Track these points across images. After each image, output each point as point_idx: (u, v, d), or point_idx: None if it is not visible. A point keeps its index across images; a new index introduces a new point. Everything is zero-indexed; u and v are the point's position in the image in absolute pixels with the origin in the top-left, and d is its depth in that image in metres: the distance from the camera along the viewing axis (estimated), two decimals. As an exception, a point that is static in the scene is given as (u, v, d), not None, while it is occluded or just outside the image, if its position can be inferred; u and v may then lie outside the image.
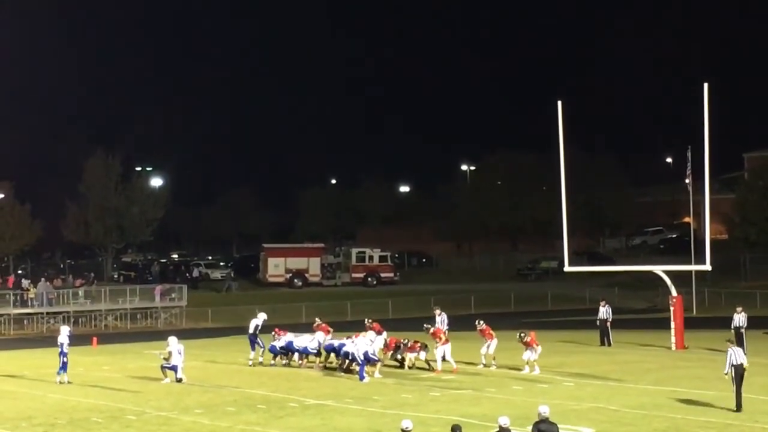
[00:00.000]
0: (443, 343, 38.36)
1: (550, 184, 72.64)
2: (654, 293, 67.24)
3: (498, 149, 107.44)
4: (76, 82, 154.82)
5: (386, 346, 39.41)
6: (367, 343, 36.73)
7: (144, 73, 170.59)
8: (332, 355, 38.97)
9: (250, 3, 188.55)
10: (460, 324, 47.34)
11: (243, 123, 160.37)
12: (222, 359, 43.69)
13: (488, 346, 39.08)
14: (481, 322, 40.11)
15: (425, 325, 40.29)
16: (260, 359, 40.70)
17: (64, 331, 37.59)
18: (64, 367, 36.53)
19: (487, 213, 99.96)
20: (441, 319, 42.94)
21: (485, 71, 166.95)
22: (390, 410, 29.37)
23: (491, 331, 39.40)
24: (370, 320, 41.65)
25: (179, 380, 35.99)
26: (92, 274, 75.16)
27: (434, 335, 39.04)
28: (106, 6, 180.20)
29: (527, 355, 37.49)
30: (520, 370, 37.45)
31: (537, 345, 37.53)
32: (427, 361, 38.54)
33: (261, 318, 41.22)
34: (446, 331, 41.14)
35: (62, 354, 36.51)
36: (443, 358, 38.21)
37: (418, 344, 39.04)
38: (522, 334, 37.97)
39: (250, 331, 41.07)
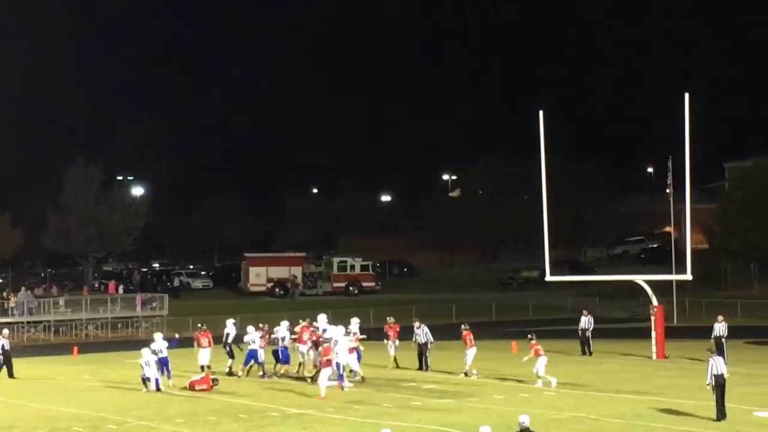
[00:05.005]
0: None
1: (531, 193, 72.71)
2: (635, 303, 67.30)
3: (480, 159, 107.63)
4: (58, 90, 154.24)
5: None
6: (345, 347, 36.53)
7: (125, 81, 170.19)
8: (310, 364, 38.77)
9: (232, 13, 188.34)
10: (441, 333, 47.31)
11: (224, 132, 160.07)
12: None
13: (466, 355, 39.09)
14: (466, 326, 40.17)
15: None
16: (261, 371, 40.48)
17: (158, 338, 37.74)
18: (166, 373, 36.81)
19: (468, 222, 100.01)
20: (423, 332, 42.23)
21: (468, 80, 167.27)
22: (371, 419, 29.35)
23: (471, 338, 39.34)
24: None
25: (158, 389, 35.95)
26: (66, 283, 74.87)
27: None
28: (88, 12, 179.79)
29: (537, 366, 36.37)
30: (504, 380, 37.52)
31: (540, 355, 36.73)
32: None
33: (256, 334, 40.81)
34: (431, 342, 41.29)
35: (162, 361, 36.58)
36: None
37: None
38: (530, 336, 37.29)
39: (259, 345, 40.59)
